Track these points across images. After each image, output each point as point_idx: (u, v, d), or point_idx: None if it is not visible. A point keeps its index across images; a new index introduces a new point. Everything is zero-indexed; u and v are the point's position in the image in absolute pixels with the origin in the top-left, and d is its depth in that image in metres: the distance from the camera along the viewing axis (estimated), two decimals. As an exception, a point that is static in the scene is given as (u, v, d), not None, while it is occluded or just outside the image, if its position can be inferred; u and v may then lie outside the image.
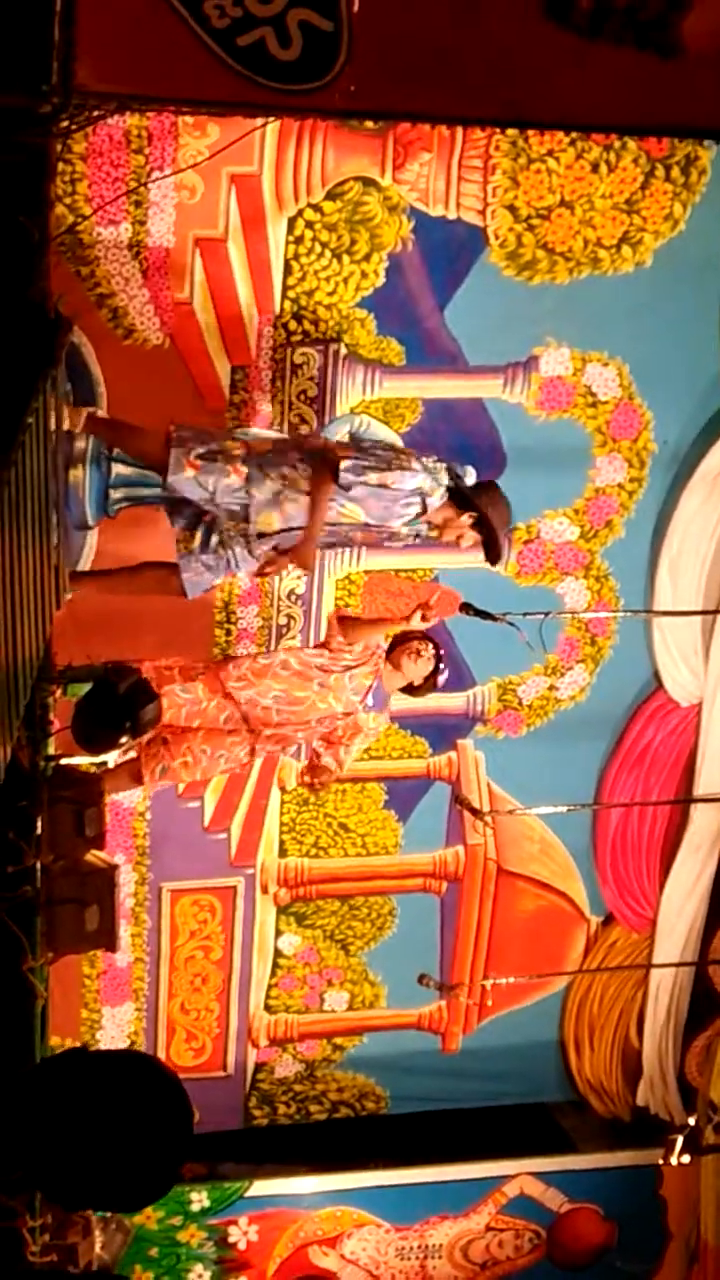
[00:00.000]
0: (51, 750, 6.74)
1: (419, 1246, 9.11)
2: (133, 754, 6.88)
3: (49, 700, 6.67)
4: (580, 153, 7.37)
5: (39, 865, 6.08)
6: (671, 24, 5.43)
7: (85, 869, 6.41)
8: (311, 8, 5.48)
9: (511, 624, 6.99)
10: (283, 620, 7.93)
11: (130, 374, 7.24)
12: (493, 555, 6.95)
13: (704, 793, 8.86)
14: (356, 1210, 8.95)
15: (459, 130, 7.12)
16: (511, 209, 7.41)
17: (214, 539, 6.76)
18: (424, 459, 6.76)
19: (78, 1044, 8.03)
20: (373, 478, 6.62)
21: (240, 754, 7.03)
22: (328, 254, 7.31)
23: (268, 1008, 8.77)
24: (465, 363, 7.68)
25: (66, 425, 6.36)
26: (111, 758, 6.65)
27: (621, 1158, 9.35)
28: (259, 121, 6.58)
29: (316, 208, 7.22)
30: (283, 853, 8.45)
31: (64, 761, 6.64)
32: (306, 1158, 8.97)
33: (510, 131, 7.13)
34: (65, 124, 5.68)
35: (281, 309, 7.37)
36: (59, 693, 6.72)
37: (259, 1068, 8.91)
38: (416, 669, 7.10)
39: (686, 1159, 8.30)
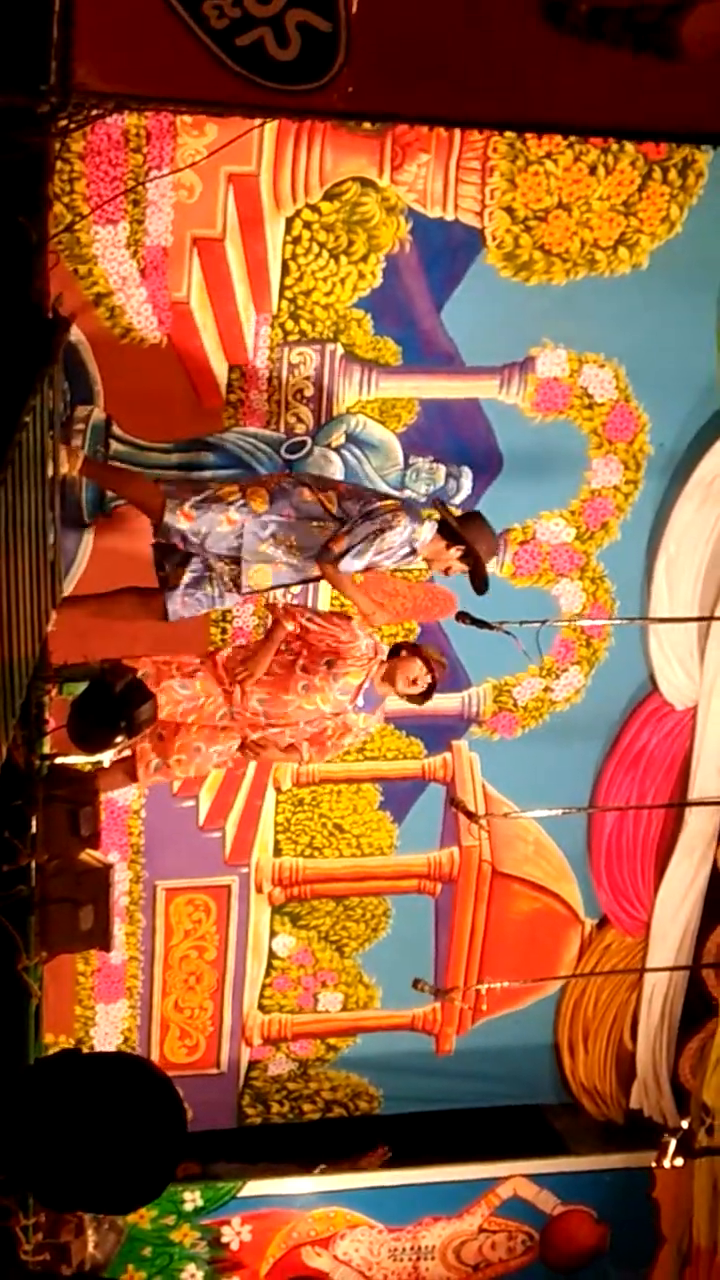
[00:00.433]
0: (47, 749, 6.73)
1: (412, 1248, 9.11)
2: (128, 752, 6.88)
3: (44, 699, 6.67)
4: (578, 155, 7.37)
5: (34, 864, 6.08)
6: (670, 27, 5.43)
7: (80, 868, 6.41)
8: (310, 8, 5.49)
9: (508, 633, 7.02)
10: (278, 620, 7.92)
11: (127, 373, 7.24)
12: (479, 586, 7.05)
13: (699, 796, 8.87)
14: (349, 1211, 8.95)
15: (457, 132, 7.13)
16: (509, 210, 7.42)
17: (202, 581, 6.88)
18: (414, 502, 6.94)
19: (72, 1041, 8.09)
20: (368, 554, 6.78)
21: (234, 749, 7.05)
22: (325, 254, 7.31)
23: (262, 1008, 8.77)
24: (462, 363, 7.68)
25: (64, 470, 6.41)
26: (107, 757, 6.64)
27: (615, 1160, 9.35)
28: (257, 122, 6.58)
29: (314, 208, 7.22)
30: (277, 852, 8.44)
31: (59, 761, 6.63)
32: (300, 1158, 8.97)
33: (508, 134, 7.13)
34: (64, 123, 5.68)
35: (279, 309, 7.37)
36: (54, 692, 6.72)
37: (252, 1066, 8.90)
38: (408, 691, 7.08)
39: (680, 1162, 8.29)
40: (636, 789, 8.79)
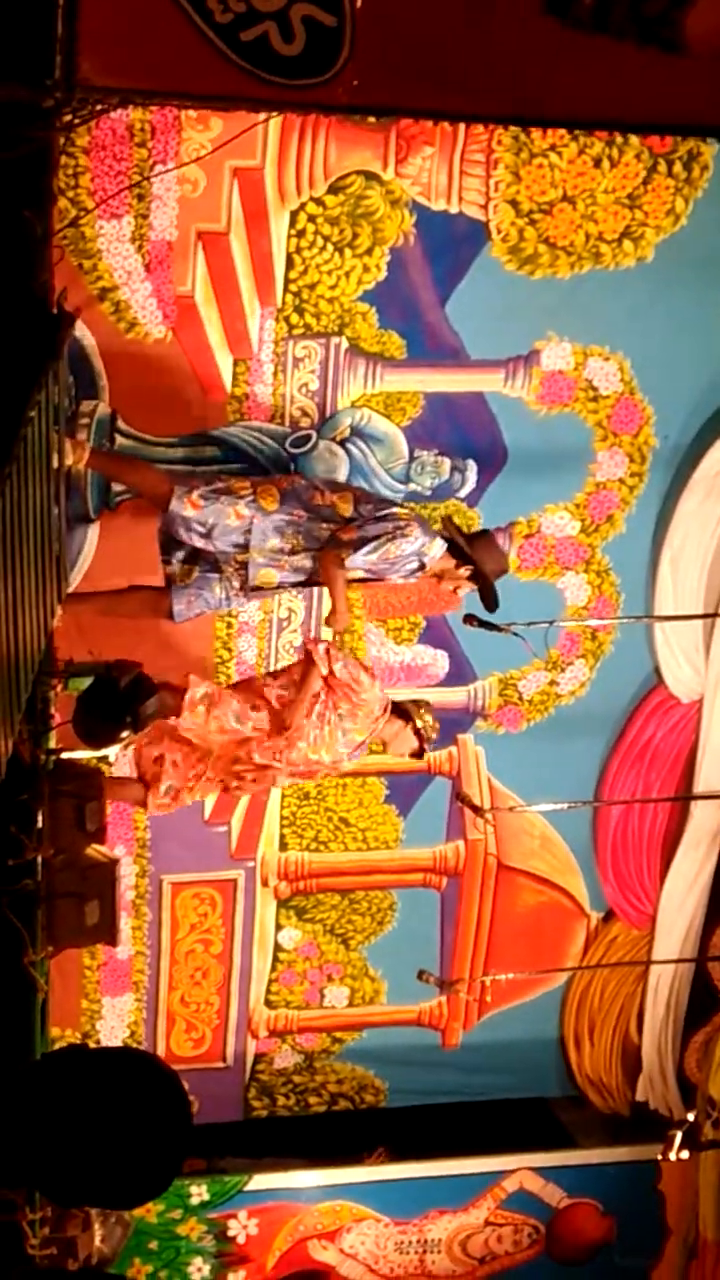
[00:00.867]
0: (52, 744, 6.74)
1: (418, 1241, 9.12)
2: (132, 755, 6.90)
3: (50, 694, 6.68)
4: (582, 148, 7.36)
5: (40, 859, 6.09)
6: (675, 20, 5.42)
7: (86, 863, 6.43)
8: (314, 3, 5.49)
9: (517, 634, 7.04)
10: (284, 614, 7.93)
11: (132, 367, 7.24)
12: (488, 603, 7.06)
13: (704, 789, 8.86)
14: (356, 1204, 8.96)
15: (461, 125, 7.12)
16: (513, 203, 7.41)
17: (210, 581, 6.87)
18: (422, 521, 6.93)
19: (78, 1034, 8.09)
20: (375, 556, 6.80)
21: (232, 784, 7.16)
22: (330, 248, 7.31)
23: (268, 1002, 8.78)
24: (467, 357, 7.68)
25: (69, 461, 6.42)
26: (113, 752, 6.65)
27: (621, 1153, 9.36)
28: (261, 116, 6.57)
29: (319, 201, 7.21)
30: (283, 846, 8.45)
31: (65, 756, 6.64)
32: (306, 1152, 8.98)
33: (512, 127, 7.12)
34: (68, 118, 5.68)
35: (283, 302, 7.37)
36: (60, 687, 6.73)
37: (258, 1059, 8.92)
38: (404, 749, 7.24)
39: (685, 1154, 8.30)
40: (642, 783, 8.78)
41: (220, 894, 8.44)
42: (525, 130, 7.19)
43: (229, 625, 7.82)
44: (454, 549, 6.93)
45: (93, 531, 7.44)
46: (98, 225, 6.97)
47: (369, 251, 7.34)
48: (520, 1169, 9.21)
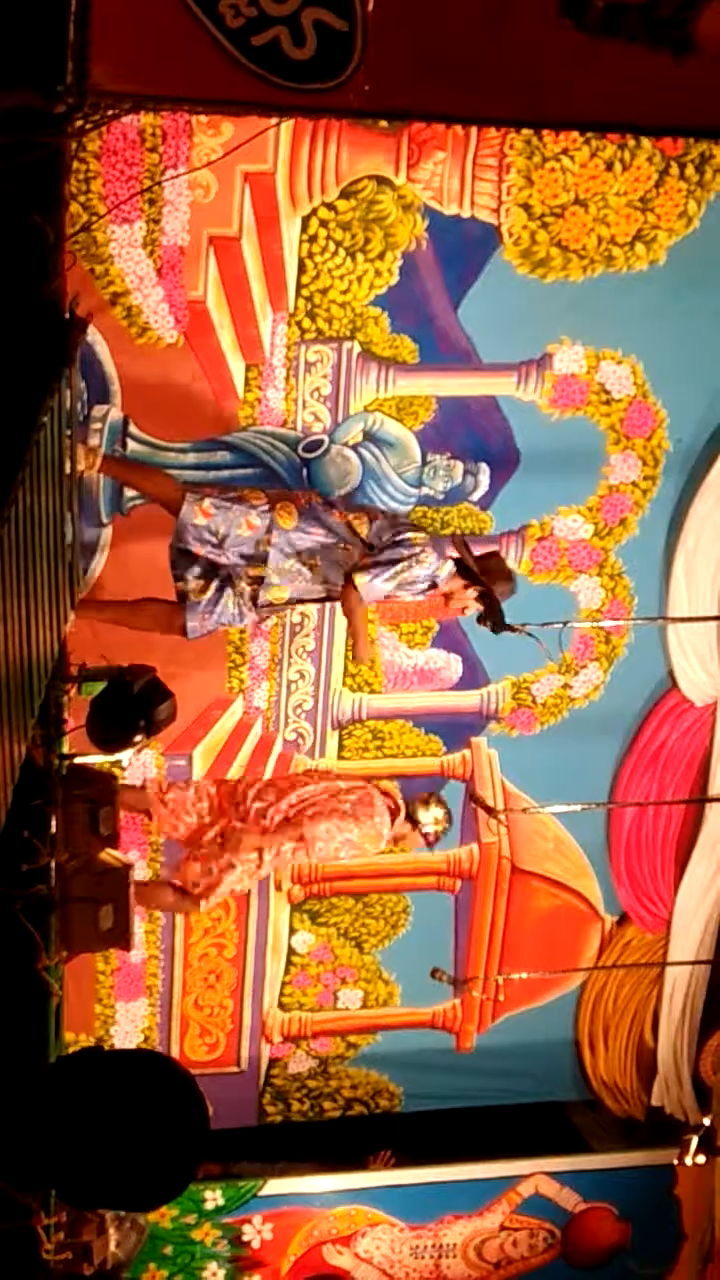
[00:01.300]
0: (66, 749, 6.74)
1: (433, 1245, 9.11)
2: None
3: (64, 699, 6.68)
4: (595, 151, 7.36)
5: (54, 864, 6.08)
6: (686, 23, 5.40)
7: (100, 868, 6.41)
8: (326, 7, 5.47)
9: (531, 635, 7.05)
10: (296, 618, 7.93)
11: (144, 372, 7.26)
12: (495, 625, 7.09)
13: (719, 792, 8.85)
14: (371, 1209, 8.96)
15: (473, 129, 7.12)
16: (526, 207, 7.41)
17: (222, 597, 6.89)
18: (437, 543, 7.01)
19: (92, 1039, 8.09)
20: (392, 584, 6.85)
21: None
22: (342, 252, 7.31)
23: (282, 1005, 8.78)
24: (479, 361, 7.68)
25: (82, 467, 6.44)
26: (126, 756, 6.66)
27: (636, 1158, 9.35)
28: (273, 121, 6.57)
29: (330, 206, 7.22)
30: (296, 851, 8.44)
31: (78, 760, 6.65)
32: (320, 1156, 8.98)
33: (525, 130, 7.12)
34: (80, 123, 5.67)
35: (295, 307, 7.37)
36: (74, 691, 6.73)
37: (273, 1064, 8.92)
38: (413, 846, 7.57)
39: (701, 1159, 8.30)
40: (656, 786, 8.78)
41: (234, 898, 8.43)
42: (537, 134, 7.20)
43: (242, 631, 7.82)
44: (463, 569, 6.93)
45: (105, 536, 7.45)
46: (109, 230, 6.98)
47: (381, 256, 7.34)
48: (535, 1173, 9.20)
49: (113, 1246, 7.16)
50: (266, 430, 7.54)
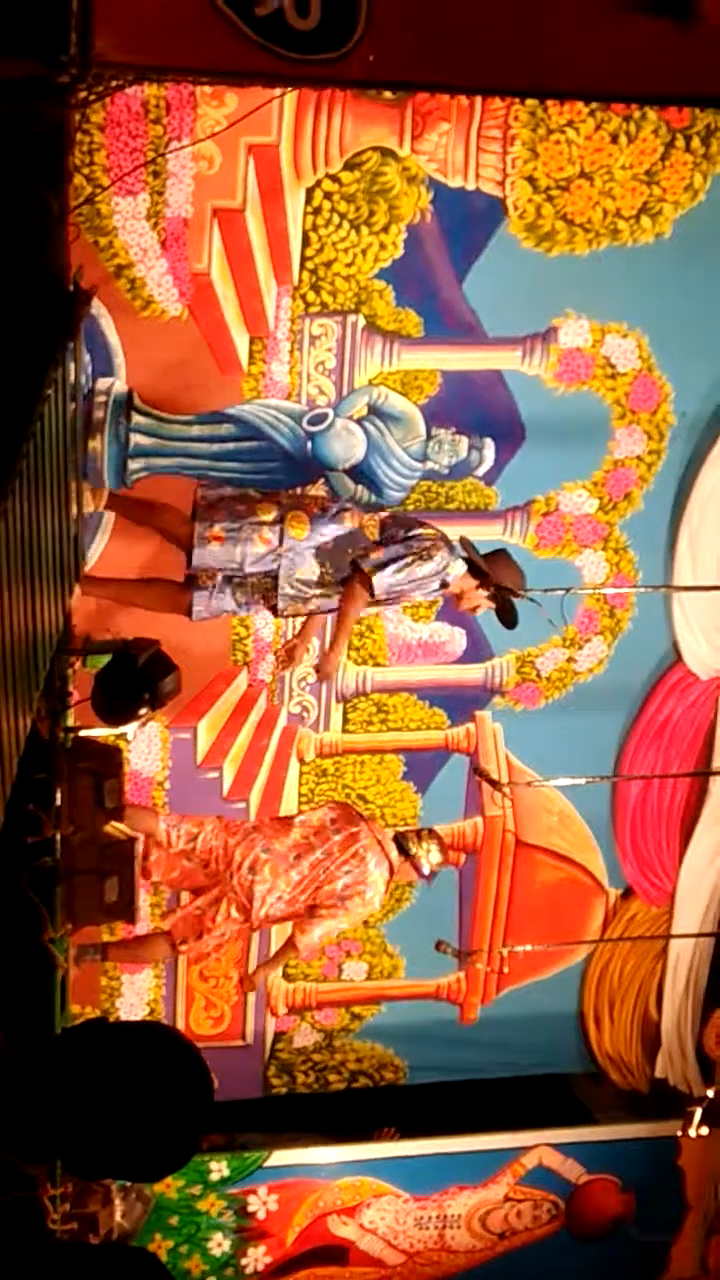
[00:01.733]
0: (71, 722, 6.75)
1: (438, 1216, 9.15)
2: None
3: (69, 672, 6.69)
4: (600, 123, 7.34)
5: (59, 836, 6.09)
6: (691, -5, 5.39)
7: (104, 840, 6.43)
8: (330, -23, 5.44)
9: (533, 600, 7.08)
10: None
11: (148, 345, 7.25)
12: (507, 621, 7.11)
13: (723, 766, 8.87)
14: (375, 1180, 8.98)
15: (478, 100, 7.10)
16: (531, 180, 7.39)
17: (231, 583, 6.87)
18: (448, 541, 6.96)
19: (98, 1012, 8.11)
20: (401, 575, 6.83)
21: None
22: (346, 225, 7.29)
23: (286, 977, 8.80)
24: (484, 334, 7.66)
25: (89, 506, 6.44)
26: (131, 729, 6.67)
27: (640, 1129, 9.37)
28: (277, 92, 6.53)
29: (335, 178, 7.20)
30: (301, 824, 8.45)
31: (83, 733, 6.65)
32: (325, 1128, 9.01)
33: (529, 102, 7.10)
34: (83, 95, 5.64)
35: (299, 280, 7.36)
36: (79, 664, 6.74)
37: (278, 1037, 8.94)
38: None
39: (705, 1131, 8.33)
40: (661, 759, 8.78)
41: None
42: (542, 105, 7.17)
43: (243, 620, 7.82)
44: (473, 569, 6.93)
45: (109, 512, 7.44)
46: (113, 202, 6.97)
47: (385, 229, 7.32)
48: (540, 1145, 9.23)
49: (118, 1217, 7.21)
50: (271, 403, 7.53)
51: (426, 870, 7.40)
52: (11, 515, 4.46)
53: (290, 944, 7.42)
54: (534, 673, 8.41)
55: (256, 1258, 8.92)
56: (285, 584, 6.82)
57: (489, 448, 7.85)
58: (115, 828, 6.51)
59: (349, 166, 7.19)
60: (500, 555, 7.11)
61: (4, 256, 5.55)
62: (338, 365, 7.56)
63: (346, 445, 7.67)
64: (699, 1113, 8.27)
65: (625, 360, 7.86)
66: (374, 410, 7.67)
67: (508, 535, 8.03)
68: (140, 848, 6.91)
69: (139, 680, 6.25)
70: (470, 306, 7.59)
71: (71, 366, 5.76)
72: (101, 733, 6.65)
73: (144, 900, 7.45)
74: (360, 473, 7.72)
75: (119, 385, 7.28)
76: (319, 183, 7.19)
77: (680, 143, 7.46)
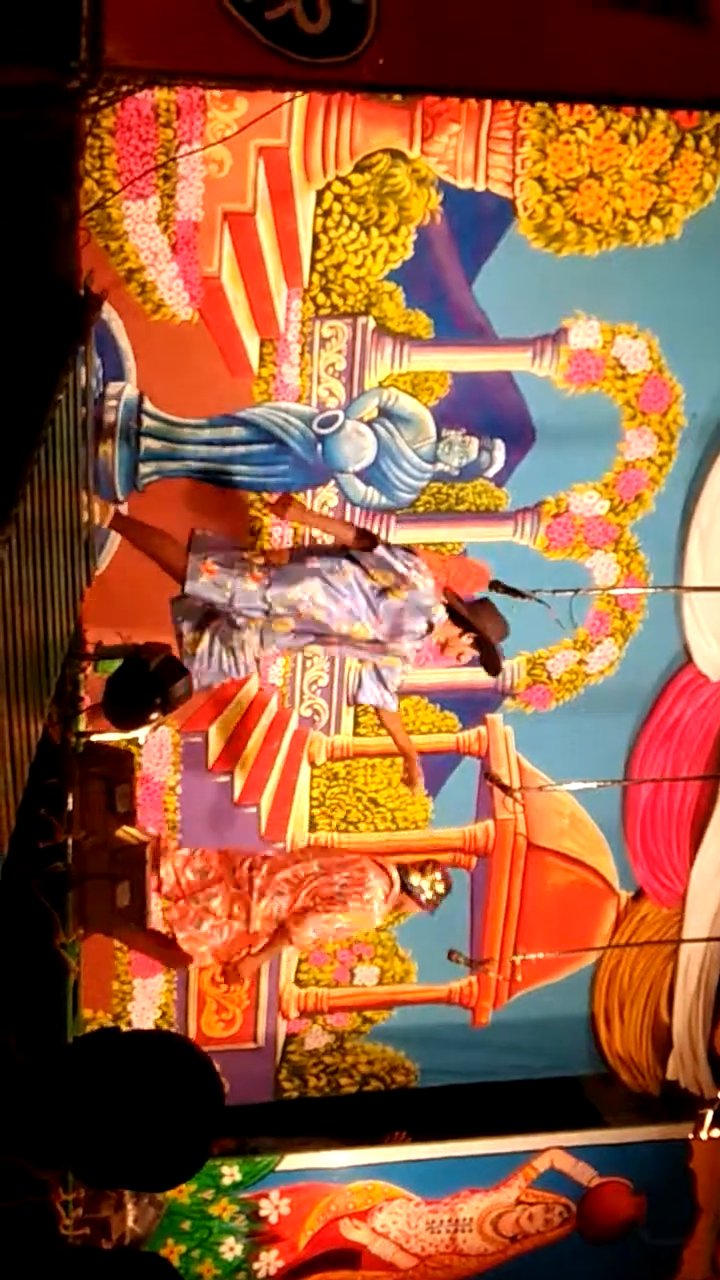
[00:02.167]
0: (82, 727, 6.75)
1: (449, 1220, 9.14)
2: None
3: (80, 677, 6.69)
4: (609, 124, 7.33)
5: (70, 841, 6.09)
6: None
7: (116, 845, 6.43)
8: (340, -20, 5.45)
9: (541, 601, 7.05)
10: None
11: (159, 348, 7.25)
12: (491, 669, 7.11)
13: (735, 768, 8.86)
14: (387, 1184, 8.98)
15: (487, 102, 7.09)
16: (540, 180, 7.38)
17: (218, 647, 6.83)
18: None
19: (109, 1016, 8.10)
20: (398, 563, 6.71)
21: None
22: (356, 227, 7.29)
23: (298, 982, 8.79)
24: (494, 336, 7.66)
25: (96, 522, 6.42)
26: (142, 734, 6.66)
27: (651, 1132, 9.36)
28: (287, 95, 6.54)
29: (345, 181, 7.19)
30: (313, 827, 8.45)
31: (95, 738, 6.65)
32: (337, 1132, 9.00)
33: (539, 103, 7.09)
34: (94, 100, 5.65)
35: (310, 282, 7.35)
36: (90, 669, 6.74)
37: (289, 1040, 8.94)
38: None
39: (716, 1133, 8.31)
40: (671, 761, 8.77)
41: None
42: (552, 106, 7.16)
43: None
44: (455, 617, 6.88)
45: (121, 513, 7.43)
46: (124, 206, 6.97)
47: (395, 230, 7.32)
48: (551, 1148, 9.22)
49: (130, 1222, 7.19)
50: (281, 406, 7.53)
51: (425, 899, 7.35)
52: (23, 519, 4.46)
53: (283, 934, 7.33)
54: (545, 675, 8.41)
55: (269, 1262, 8.93)
56: (276, 605, 6.71)
57: (499, 449, 7.85)
58: (127, 832, 6.50)
59: (359, 169, 7.18)
60: (484, 605, 7.04)
61: (15, 261, 5.56)
62: (348, 367, 7.56)
63: (357, 447, 7.67)
64: (710, 1115, 8.25)
65: (636, 361, 7.85)
66: (384, 412, 7.67)
67: (518, 537, 8.03)
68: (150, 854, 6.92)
69: (150, 685, 6.25)
70: (480, 308, 7.58)
71: (82, 371, 5.77)
72: (113, 737, 6.65)
73: (155, 905, 7.45)
74: (370, 475, 7.72)
75: (130, 389, 7.28)
76: (329, 185, 7.19)
77: (690, 143, 7.45)
